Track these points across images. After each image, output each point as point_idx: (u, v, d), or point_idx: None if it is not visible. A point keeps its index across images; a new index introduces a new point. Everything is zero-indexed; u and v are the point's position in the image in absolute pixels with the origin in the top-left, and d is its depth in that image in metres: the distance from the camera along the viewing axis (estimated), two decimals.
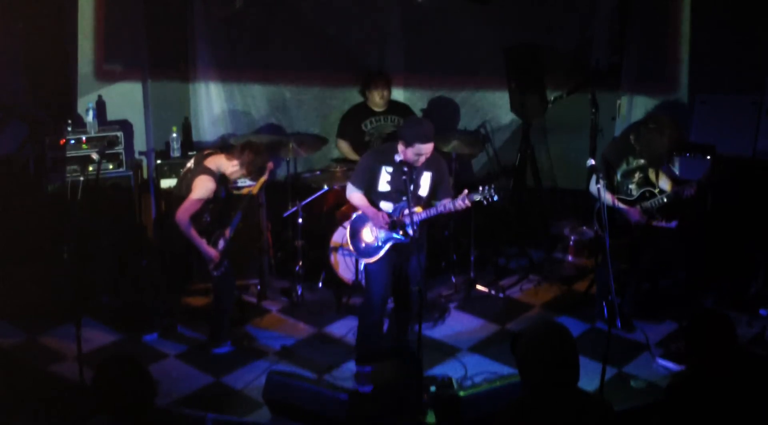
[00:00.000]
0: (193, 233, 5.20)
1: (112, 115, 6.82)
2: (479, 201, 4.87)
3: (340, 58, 7.52)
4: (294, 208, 6.22)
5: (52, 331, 5.68)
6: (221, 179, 5.33)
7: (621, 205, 5.55)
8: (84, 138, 6.31)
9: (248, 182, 5.97)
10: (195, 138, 7.21)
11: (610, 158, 5.66)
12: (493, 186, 4.82)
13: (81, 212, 5.82)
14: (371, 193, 5.15)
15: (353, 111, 7.09)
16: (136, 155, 6.87)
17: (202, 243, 5.26)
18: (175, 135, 6.62)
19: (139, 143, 6.90)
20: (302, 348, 5.61)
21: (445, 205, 4.98)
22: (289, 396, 4.64)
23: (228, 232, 5.44)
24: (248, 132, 7.51)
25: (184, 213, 5.16)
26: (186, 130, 7.09)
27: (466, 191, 4.88)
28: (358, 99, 7.18)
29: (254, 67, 7.51)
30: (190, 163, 5.38)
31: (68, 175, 6.22)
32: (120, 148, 6.43)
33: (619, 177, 5.60)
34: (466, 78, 7.69)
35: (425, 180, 5.07)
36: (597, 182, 5.09)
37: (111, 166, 6.38)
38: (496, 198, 4.82)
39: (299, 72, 7.57)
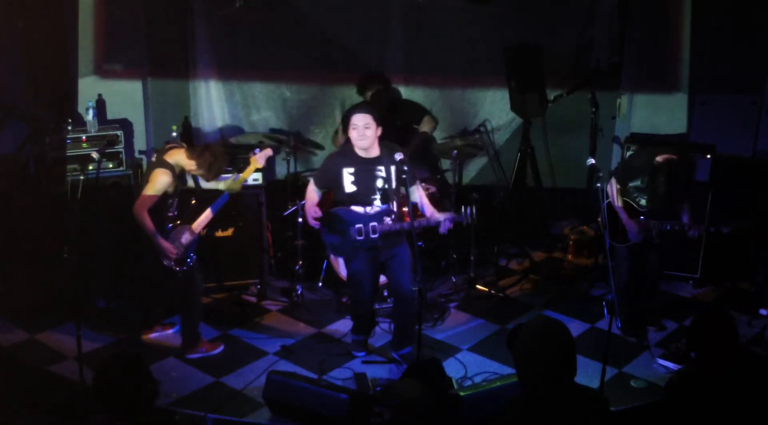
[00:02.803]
0: (149, 227, 5.09)
1: (112, 114, 6.82)
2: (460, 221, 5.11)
3: (340, 58, 7.52)
4: (294, 208, 6.22)
5: (52, 331, 5.67)
6: (182, 173, 5.31)
7: (625, 217, 5.51)
8: (84, 137, 6.32)
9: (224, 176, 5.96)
10: (195, 137, 7.21)
11: (628, 170, 5.63)
12: (473, 208, 5.00)
13: (81, 211, 5.81)
14: (338, 195, 5.17)
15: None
16: (136, 154, 6.88)
17: (157, 237, 5.15)
18: (175, 134, 6.62)
19: (140, 142, 6.91)
20: (302, 348, 5.61)
21: (439, 220, 5.02)
22: (289, 396, 4.64)
23: (197, 226, 5.34)
24: (248, 131, 7.52)
25: (140, 206, 5.09)
26: (186, 129, 7.09)
27: (451, 213, 5.04)
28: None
29: (254, 67, 7.52)
30: (154, 156, 5.37)
31: (68, 174, 6.22)
32: (120, 147, 6.44)
33: (631, 185, 5.57)
34: (466, 78, 7.69)
35: (391, 174, 5.12)
36: (601, 181, 5.04)
37: (111, 165, 6.37)
38: (475, 217, 5.07)
39: (299, 71, 7.58)
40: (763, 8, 6.41)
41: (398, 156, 4.96)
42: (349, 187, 5.11)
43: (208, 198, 5.48)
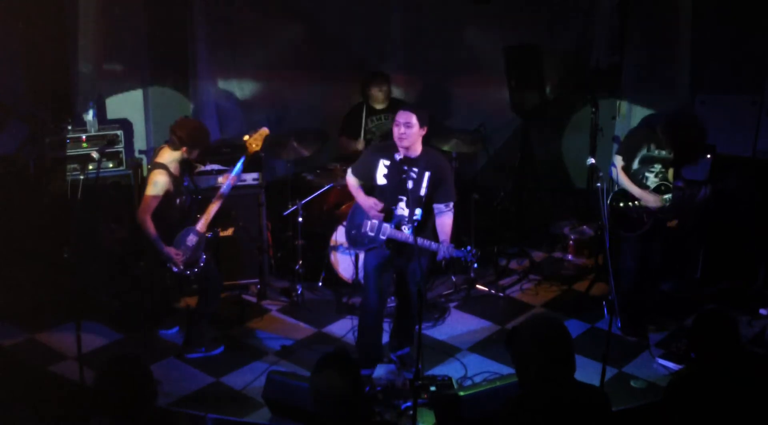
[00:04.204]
0: (151, 232, 5.09)
1: (112, 114, 6.82)
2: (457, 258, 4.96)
3: (340, 58, 7.52)
4: (294, 207, 6.22)
5: (52, 331, 5.67)
6: (185, 167, 5.32)
7: (636, 190, 5.45)
8: (84, 136, 6.32)
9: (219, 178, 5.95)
10: None
11: (630, 142, 5.60)
12: (477, 252, 4.91)
13: (81, 211, 5.81)
14: (371, 187, 5.14)
15: (355, 109, 7.09)
16: (136, 154, 6.88)
17: (160, 243, 5.14)
18: None
19: (139, 142, 6.91)
20: (302, 348, 5.61)
21: (441, 245, 4.87)
22: (289, 396, 4.63)
23: (200, 225, 5.30)
24: (248, 131, 7.50)
25: (143, 210, 5.10)
26: None
27: (452, 245, 4.87)
28: (358, 98, 7.19)
29: (254, 67, 7.52)
30: (149, 163, 5.35)
31: (68, 174, 6.22)
32: (120, 147, 6.44)
33: (636, 163, 5.52)
34: (466, 78, 7.69)
35: (423, 179, 5.00)
36: (601, 181, 5.01)
37: (111, 165, 6.38)
38: (476, 266, 4.94)
39: (299, 72, 7.57)
40: (763, 8, 6.41)
41: (398, 155, 4.92)
42: (381, 179, 5.06)
43: (207, 197, 5.47)
